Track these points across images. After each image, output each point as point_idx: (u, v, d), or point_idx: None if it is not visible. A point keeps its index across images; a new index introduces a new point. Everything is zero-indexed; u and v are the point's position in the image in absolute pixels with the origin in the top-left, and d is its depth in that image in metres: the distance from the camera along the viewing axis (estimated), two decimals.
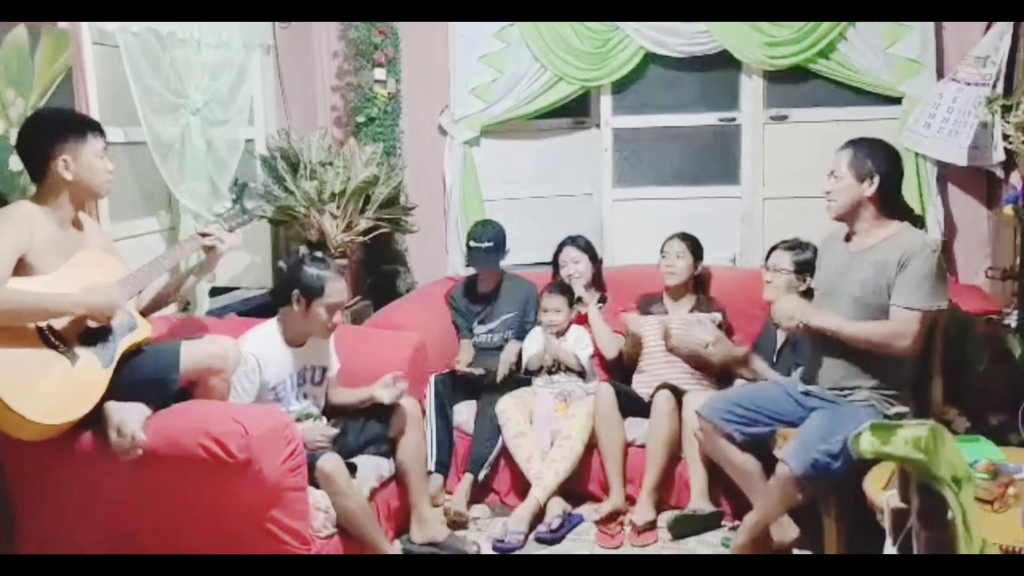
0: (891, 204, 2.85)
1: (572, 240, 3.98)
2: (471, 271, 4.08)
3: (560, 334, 3.73)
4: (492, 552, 3.14)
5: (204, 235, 2.81)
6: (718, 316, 3.65)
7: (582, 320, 3.80)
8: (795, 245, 3.41)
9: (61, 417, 2.41)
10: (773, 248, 3.49)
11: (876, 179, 2.79)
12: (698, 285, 3.82)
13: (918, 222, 3.86)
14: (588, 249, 3.97)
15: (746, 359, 3.40)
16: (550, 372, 3.69)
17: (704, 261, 3.83)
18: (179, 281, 2.87)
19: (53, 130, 2.53)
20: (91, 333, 2.51)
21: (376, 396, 3.08)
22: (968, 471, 1.64)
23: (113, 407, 2.49)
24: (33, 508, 2.69)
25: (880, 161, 2.81)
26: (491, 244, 3.86)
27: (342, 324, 3.10)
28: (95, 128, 2.59)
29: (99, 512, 2.62)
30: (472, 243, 3.90)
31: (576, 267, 3.88)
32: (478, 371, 3.69)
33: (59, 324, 2.44)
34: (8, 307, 2.31)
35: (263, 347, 2.95)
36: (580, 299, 3.80)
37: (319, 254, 3.11)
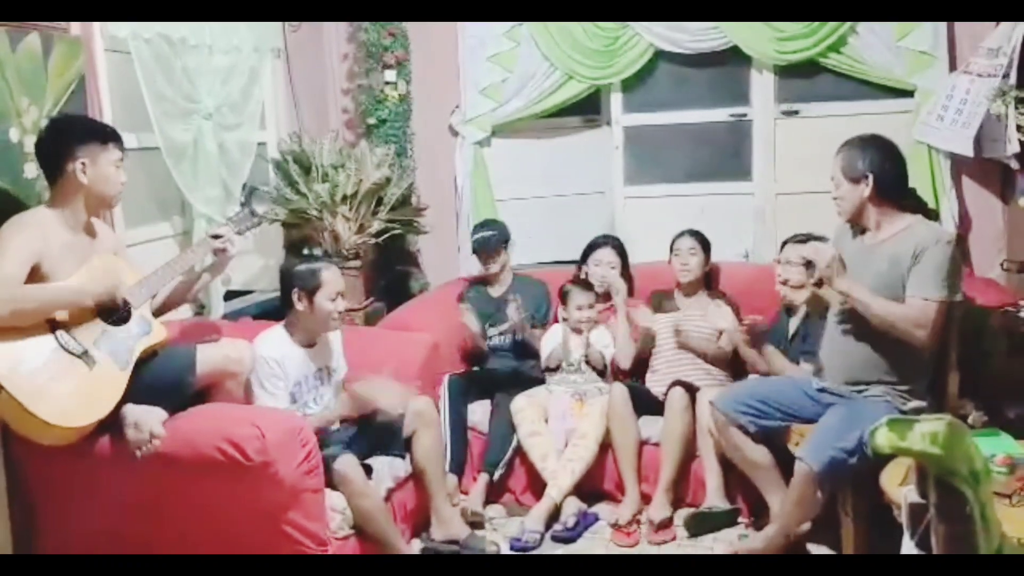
0: (895, 197, 2.84)
1: (607, 240, 3.97)
2: (482, 272, 4.09)
3: (580, 332, 3.73)
4: (510, 552, 3.15)
5: (215, 236, 2.85)
6: (729, 310, 3.64)
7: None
8: (806, 239, 3.41)
9: (81, 420, 2.43)
10: (785, 243, 3.50)
11: (870, 178, 2.77)
12: (708, 281, 3.82)
13: (931, 215, 3.84)
14: (623, 253, 3.95)
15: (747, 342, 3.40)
16: (568, 371, 3.69)
17: (717, 257, 3.83)
18: (190, 282, 2.89)
19: (76, 133, 2.58)
20: (107, 337, 2.53)
21: (381, 404, 3.04)
22: (986, 465, 1.64)
23: (130, 408, 2.52)
24: (53, 510, 2.72)
25: (872, 159, 2.79)
26: (494, 233, 3.94)
27: (356, 327, 3.11)
28: (115, 138, 2.64)
29: (117, 514, 2.64)
30: (474, 234, 4.02)
31: (612, 273, 3.86)
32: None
33: (75, 328, 2.47)
34: (16, 306, 2.34)
35: (278, 350, 2.97)
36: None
37: (305, 251, 3.13)
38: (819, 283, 2.91)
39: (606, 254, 3.92)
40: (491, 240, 3.95)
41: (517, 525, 3.27)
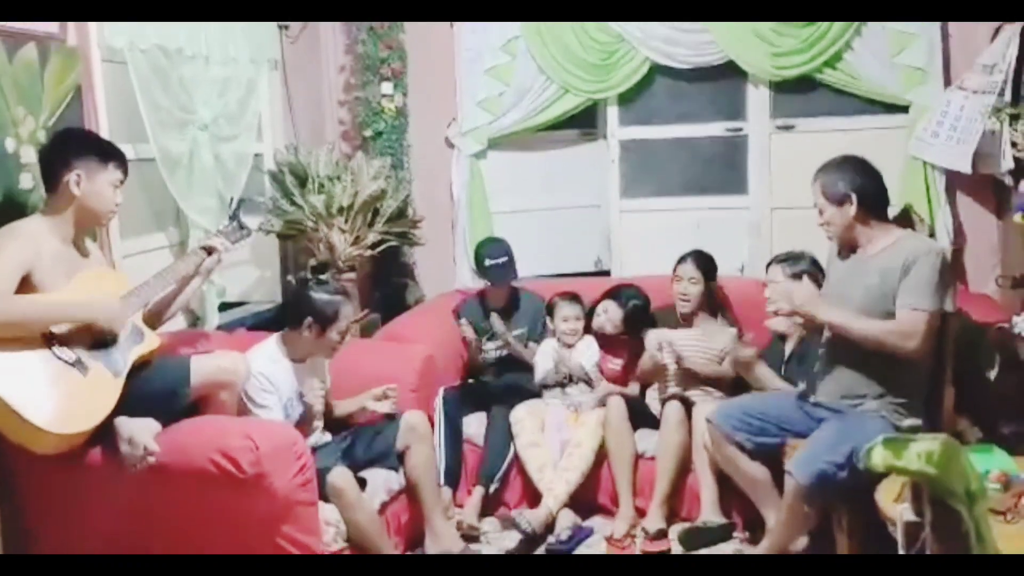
0: (879, 211, 2.86)
1: (620, 296, 3.76)
2: (478, 284, 4.07)
3: (570, 345, 3.73)
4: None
5: (209, 249, 2.87)
6: (733, 331, 3.63)
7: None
8: (787, 257, 3.41)
9: (75, 427, 2.42)
10: (770, 263, 3.49)
11: (853, 197, 2.80)
12: (711, 298, 3.75)
13: (916, 227, 3.87)
14: (633, 317, 3.74)
15: (751, 364, 3.38)
16: (562, 385, 3.69)
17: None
18: (179, 288, 2.89)
19: (76, 145, 2.59)
20: (100, 345, 2.52)
21: (369, 407, 3.10)
22: (982, 484, 1.64)
23: (123, 422, 2.50)
24: (46, 523, 2.70)
25: (851, 179, 2.82)
26: (507, 258, 3.84)
27: (351, 338, 3.11)
28: (118, 159, 2.63)
29: (110, 527, 2.63)
30: (488, 261, 3.84)
31: (613, 330, 3.74)
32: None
33: (68, 336, 2.45)
34: (12, 318, 2.33)
35: (269, 366, 2.96)
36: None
37: (323, 276, 3.12)
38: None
39: (612, 307, 3.75)
40: (506, 267, 3.84)
41: (519, 517, 3.23)
